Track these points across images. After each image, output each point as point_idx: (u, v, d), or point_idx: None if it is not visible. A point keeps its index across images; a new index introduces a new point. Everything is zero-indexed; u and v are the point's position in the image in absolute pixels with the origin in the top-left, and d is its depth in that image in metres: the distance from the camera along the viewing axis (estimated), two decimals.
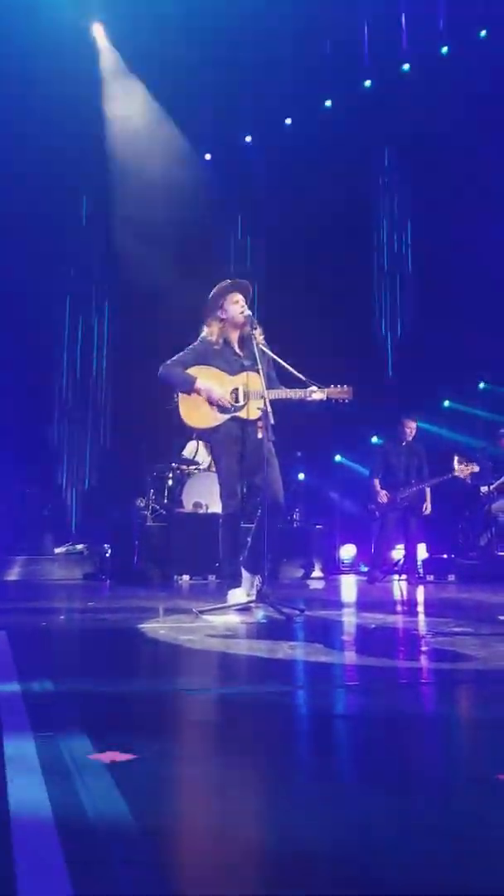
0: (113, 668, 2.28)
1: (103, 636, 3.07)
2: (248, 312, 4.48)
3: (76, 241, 9.87)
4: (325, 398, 4.38)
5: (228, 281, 4.63)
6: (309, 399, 4.38)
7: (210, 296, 4.61)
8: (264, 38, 9.20)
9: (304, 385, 4.43)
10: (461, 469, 7.44)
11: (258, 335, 4.47)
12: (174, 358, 4.59)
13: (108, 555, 8.15)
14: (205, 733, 1.63)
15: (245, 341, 4.54)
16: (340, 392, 4.41)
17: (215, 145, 10.66)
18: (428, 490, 7.56)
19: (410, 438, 7.69)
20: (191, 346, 4.63)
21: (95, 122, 10.00)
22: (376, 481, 7.57)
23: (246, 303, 4.59)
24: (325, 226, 9.73)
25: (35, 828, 1.03)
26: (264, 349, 4.47)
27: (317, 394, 4.36)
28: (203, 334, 4.61)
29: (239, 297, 4.56)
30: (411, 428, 7.70)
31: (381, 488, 7.54)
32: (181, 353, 4.61)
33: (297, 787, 1.25)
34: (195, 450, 8.59)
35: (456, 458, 8.51)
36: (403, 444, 7.68)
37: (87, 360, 10.85)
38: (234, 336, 4.59)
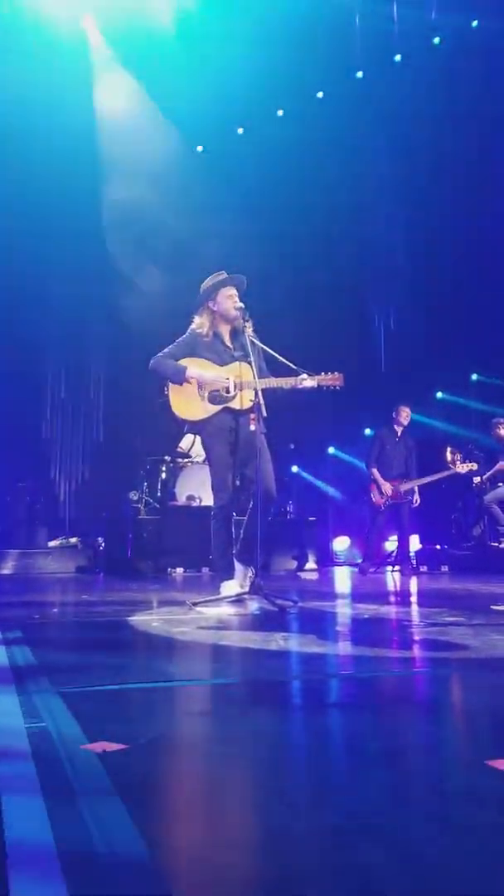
0: (105, 660, 2.29)
1: (96, 629, 3.07)
2: (241, 305, 4.47)
3: (67, 233, 9.81)
4: (315, 385, 4.37)
5: (224, 274, 4.60)
6: (300, 387, 4.37)
7: (203, 286, 4.59)
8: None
9: (295, 374, 4.43)
10: (461, 466, 7.46)
11: (248, 327, 4.46)
12: (164, 350, 4.57)
13: (101, 548, 8.15)
14: (197, 724, 1.63)
15: (236, 333, 4.53)
16: (331, 379, 4.40)
17: (207, 137, 10.60)
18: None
19: (406, 424, 7.70)
20: (180, 339, 4.61)
21: (85, 115, 9.94)
22: (375, 471, 7.56)
23: (239, 298, 4.57)
24: (316, 219, 9.70)
25: (28, 820, 1.04)
26: (254, 340, 4.46)
27: (307, 381, 4.36)
28: (193, 326, 4.59)
29: (233, 291, 4.55)
30: (406, 413, 7.71)
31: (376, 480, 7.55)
32: (171, 346, 4.59)
33: (291, 779, 1.25)
34: (192, 442, 8.58)
35: (448, 450, 8.54)
36: (399, 432, 7.69)
37: (79, 352, 10.81)
38: (225, 328, 4.58)
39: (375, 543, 7.82)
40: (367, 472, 7.72)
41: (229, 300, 4.51)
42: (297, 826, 1.03)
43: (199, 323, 4.56)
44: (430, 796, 1.15)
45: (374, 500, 7.55)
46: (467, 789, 1.17)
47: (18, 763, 1.26)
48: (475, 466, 7.61)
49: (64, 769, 1.23)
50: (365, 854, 0.93)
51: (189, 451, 8.55)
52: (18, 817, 1.03)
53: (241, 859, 0.96)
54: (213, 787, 1.22)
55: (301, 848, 0.96)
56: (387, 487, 7.49)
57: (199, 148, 10.65)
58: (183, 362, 4.54)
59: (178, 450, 8.65)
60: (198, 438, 8.59)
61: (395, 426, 7.70)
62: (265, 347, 4.48)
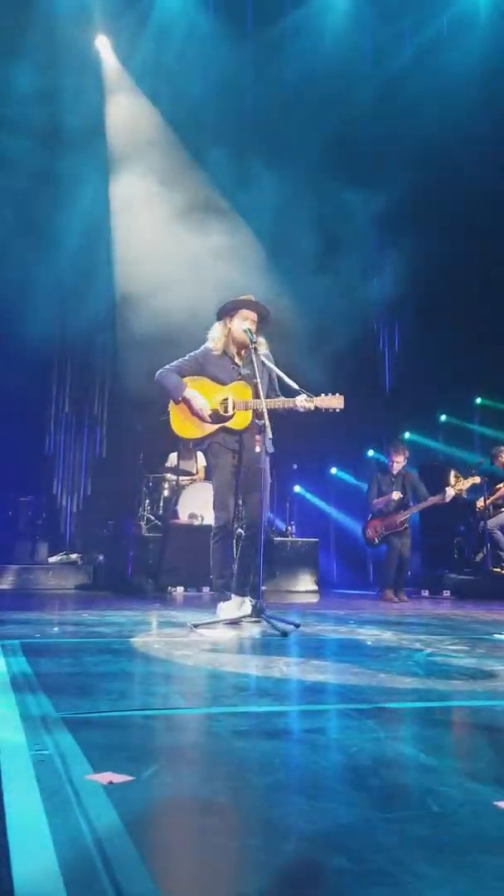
0: (109, 685, 2.27)
1: (98, 650, 3.06)
2: (246, 327, 4.49)
3: (73, 244, 9.87)
4: (313, 408, 4.37)
5: (251, 298, 4.64)
6: (299, 408, 4.37)
7: (227, 302, 4.63)
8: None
9: (296, 395, 4.43)
10: (460, 484, 7.42)
11: (261, 347, 4.48)
12: (172, 363, 4.62)
13: (101, 565, 8.12)
14: (200, 754, 1.62)
15: (248, 353, 4.55)
16: (331, 401, 4.37)
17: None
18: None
19: (401, 462, 7.66)
20: (192, 354, 4.66)
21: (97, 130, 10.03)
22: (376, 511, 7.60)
23: (260, 326, 4.59)
24: (322, 243, 9.76)
25: (33, 849, 1.03)
26: (265, 361, 4.49)
27: (305, 403, 4.35)
28: (207, 342, 4.64)
29: (250, 315, 4.57)
30: (399, 461, 7.65)
31: (374, 517, 7.57)
32: (181, 360, 4.64)
33: (293, 809, 1.24)
34: (176, 461, 8.61)
35: (452, 474, 8.55)
36: (394, 470, 7.66)
37: (83, 368, 10.85)
38: (237, 348, 4.60)
39: (392, 570, 7.69)
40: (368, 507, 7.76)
41: (243, 322, 4.53)
42: (306, 868, 1.02)
43: (213, 339, 4.61)
44: (433, 828, 1.14)
45: (367, 535, 7.61)
46: (477, 828, 1.16)
47: (24, 791, 1.25)
48: (477, 479, 7.59)
49: (69, 800, 1.22)
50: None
51: (176, 467, 8.56)
52: (24, 849, 1.03)
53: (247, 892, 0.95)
54: (217, 818, 1.21)
55: (310, 891, 0.95)
56: (378, 524, 7.51)
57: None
58: (187, 380, 4.57)
59: (165, 467, 8.67)
60: (199, 455, 8.61)
61: (389, 464, 7.73)
62: (275, 369, 4.50)
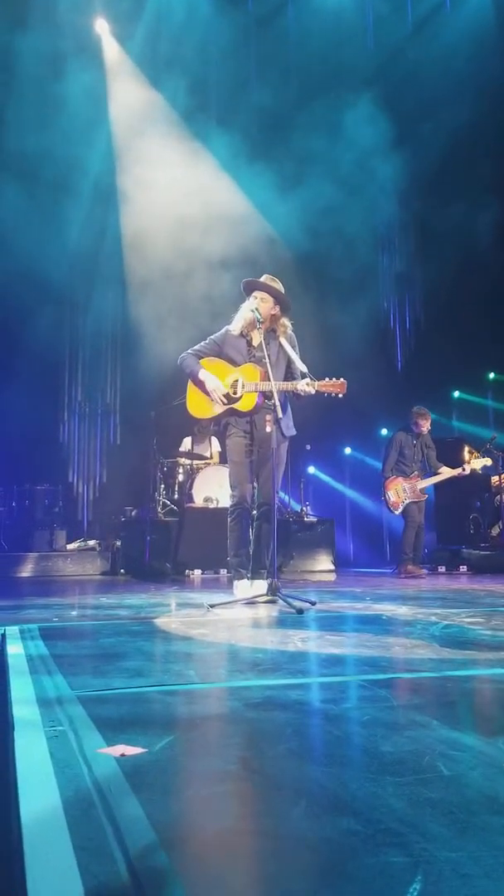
0: (124, 663, 2.29)
1: (116, 631, 3.08)
2: (254, 306, 4.50)
3: (84, 236, 9.86)
4: (313, 392, 4.37)
5: (266, 279, 4.65)
6: (300, 392, 4.38)
7: (245, 281, 4.66)
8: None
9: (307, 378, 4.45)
10: (474, 463, 7.40)
11: (281, 329, 4.53)
12: (195, 347, 4.75)
13: (119, 551, 8.17)
14: (212, 725, 1.63)
15: (269, 335, 4.57)
16: (333, 386, 4.37)
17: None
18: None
19: (425, 431, 7.62)
20: (213, 336, 4.77)
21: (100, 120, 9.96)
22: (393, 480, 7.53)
23: (276, 304, 4.59)
24: (332, 224, 9.67)
25: (45, 824, 1.04)
26: (283, 344, 4.52)
27: (306, 387, 4.36)
28: (228, 324, 4.70)
29: (264, 296, 4.58)
30: (426, 426, 7.62)
31: (394, 478, 7.50)
32: (202, 343, 4.77)
33: (312, 783, 1.25)
34: (190, 445, 8.66)
35: (466, 449, 8.51)
36: (417, 434, 7.62)
37: (96, 355, 10.87)
38: (256, 330, 4.61)
39: (412, 543, 7.69)
40: (382, 476, 7.69)
41: (254, 302, 4.55)
42: (316, 831, 1.03)
43: (235, 319, 4.66)
44: (450, 796, 1.14)
45: (392, 499, 7.50)
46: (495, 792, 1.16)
47: (36, 766, 1.27)
48: (489, 462, 7.55)
49: (82, 773, 1.24)
50: (387, 857, 0.93)
51: (190, 451, 8.60)
52: (36, 822, 1.04)
53: (256, 865, 0.96)
54: (231, 791, 1.22)
55: (320, 853, 0.96)
56: (399, 487, 7.45)
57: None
58: (204, 362, 4.66)
59: (179, 452, 8.71)
60: (213, 439, 8.63)
61: (415, 428, 7.63)
62: (291, 353, 4.51)
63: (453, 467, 7.49)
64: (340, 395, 4.37)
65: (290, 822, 1.06)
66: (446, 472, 7.42)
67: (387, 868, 0.91)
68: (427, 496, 7.60)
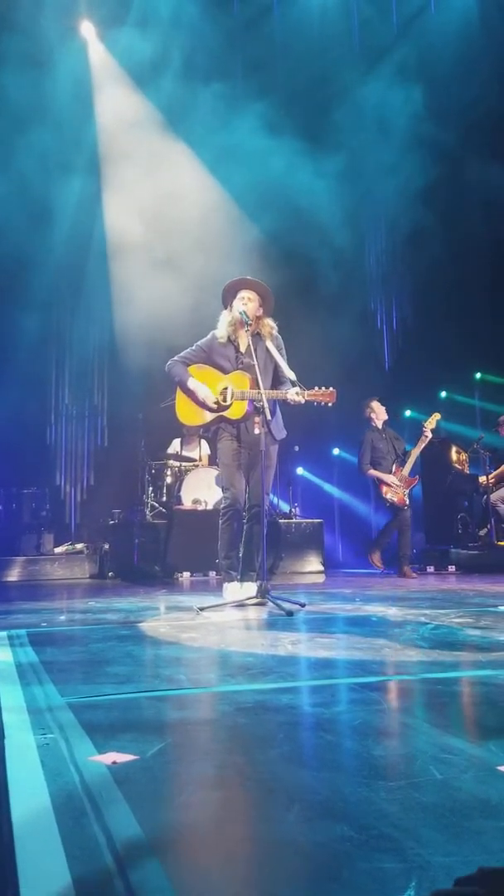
0: (113, 668, 2.28)
1: (105, 636, 3.07)
2: (241, 309, 4.50)
3: (71, 240, 9.82)
4: (302, 402, 4.38)
5: (239, 277, 4.65)
6: (289, 401, 4.39)
7: (229, 284, 4.65)
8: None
9: (290, 385, 4.47)
10: (428, 425, 7.52)
11: (266, 330, 4.52)
12: (182, 353, 4.73)
13: (107, 553, 8.14)
14: (203, 731, 1.62)
15: (255, 339, 4.57)
16: (322, 395, 4.39)
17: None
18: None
19: (384, 420, 7.83)
20: (199, 342, 4.74)
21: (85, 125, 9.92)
22: (373, 471, 7.60)
23: (261, 304, 4.60)
24: (322, 223, 9.66)
25: (36, 834, 1.03)
26: (269, 348, 4.52)
27: (295, 396, 4.37)
28: (215, 329, 4.68)
29: (247, 294, 4.58)
30: (383, 417, 7.82)
31: (383, 480, 7.56)
32: (189, 350, 4.73)
33: (304, 788, 1.24)
34: (179, 447, 8.65)
35: (454, 449, 8.55)
36: (381, 427, 7.79)
37: (83, 357, 10.82)
38: (243, 335, 4.60)
39: (384, 535, 7.83)
40: (364, 475, 7.76)
41: (239, 303, 4.55)
42: (309, 837, 1.02)
43: (220, 327, 4.65)
44: (438, 798, 1.14)
45: (395, 500, 7.52)
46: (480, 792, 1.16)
47: (27, 775, 1.26)
48: (437, 416, 7.75)
49: (73, 781, 1.23)
50: (378, 863, 0.93)
51: (178, 455, 8.59)
52: (28, 832, 1.03)
53: (249, 872, 0.95)
54: (223, 798, 1.21)
55: (313, 859, 0.96)
56: (392, 479, 7.50)
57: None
58: (192, 369, 4.65)
59: (167, 454, 8.69)
60: (203, 442, 8.62)
61: (375, 423, 7.79)
62: (277, 357, 4.52)
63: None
64: (330, 405, 4.39)
65: (284, 827, 1.06)
66: (415, 449, 7.57)
67: (381, 873, 0.91)
68: (417, 479, 7.71)
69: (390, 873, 0.91)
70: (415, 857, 0.95)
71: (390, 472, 7.56)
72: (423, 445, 7.55)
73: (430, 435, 7.52)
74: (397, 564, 7.48)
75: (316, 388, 4.39)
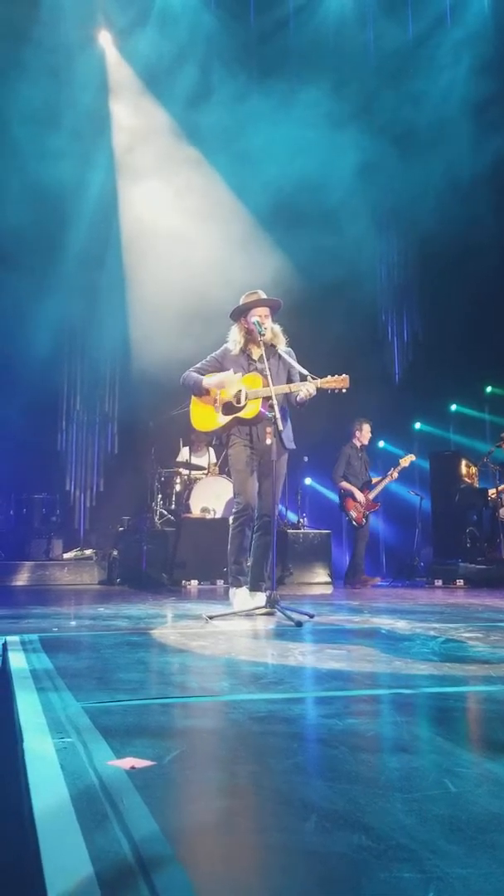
0: (127, 675, 2.30)
1: (116, 643, 3.09)
2: (255, 320, 4.56)
3: (86, 250, 9.90)
4: (314, 391, 4.39)
5: (260, 293, 4.69)
6: (303, 393, 4.39)
7: (239, 303, 4.70)
8: None
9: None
10: (402, 462, 8.00)
11: (278, 341, 4.58)
12: (196, 365, 4.81)
13: (115, 560, 8.17)
14: (219, 739, 1.64)
15: (268, 350, 4.62)
16: (335, 381, 4.40)
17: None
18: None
19: (366, 442, 8.20)
20: (212, 354, 4.81)
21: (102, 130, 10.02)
22: (345, 483, 7.90)
23: (273, 319, 4.68)
24: (332, 235, 9.71)
25: (60, 838, 1.05)
26: (282, 356, 4.57)
27: (308, 385, 4.38)
28: (227, 342, 4.74)
29: (262, 311, 4.65)
30: (368, 437, 8.23)
31: (348, 496, 7.94)
32: (203, 361, 4.83)
33: (312, 790, 1.26)
34: (188, 455, 8.68)
35: (464, 463, 8.55)
36: (359, 446, 8.13)
37: (94, 364, 10.87)
38: (255, 346, 4.67)
39: (358, 556, 8.09)
40: (336, 487, 8.09)
41: (254, 318, 4.61)
42: (328, 846, 1.04)
43: (232, 339, 4.70)
44: (447, 809, 1.15)
45: (355, 516, 7.83)
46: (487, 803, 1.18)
47: (47, 776, 1.28)
48: (412, 457, 8.14)
49: (94, 784, 1.25)
50: (395, 872, 0.94)
51: (187, 463, 8.64)
52: (52, 834, 1.05)
53: (269, 879, 0.97)
54: (241, 805, 1.23)
55: (332, 868, 0.97)
56: (361, 497, 7.88)
57: None
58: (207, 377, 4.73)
59: (177, 462, 8.73)
60: (212, 450, 8.64)
61: (356, 441, 8.15)
62: (294, 365, 4.56)
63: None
64: (344, 391, 4.39)
65: (302, 836, 1.08)
66: (385, 480, 8.09)
67: (399, 883, 0.93)
68: (379, 504, 8.21)
69: (409, 883, 0.93)
70: (433, 869, 0.97)
71: (361, 491, 7.90)
72: (390, 480, 8.10)
73: (396, 476, 8.06)
74: (351, 574, 7.87)
75: (328, 376, 4.41)
